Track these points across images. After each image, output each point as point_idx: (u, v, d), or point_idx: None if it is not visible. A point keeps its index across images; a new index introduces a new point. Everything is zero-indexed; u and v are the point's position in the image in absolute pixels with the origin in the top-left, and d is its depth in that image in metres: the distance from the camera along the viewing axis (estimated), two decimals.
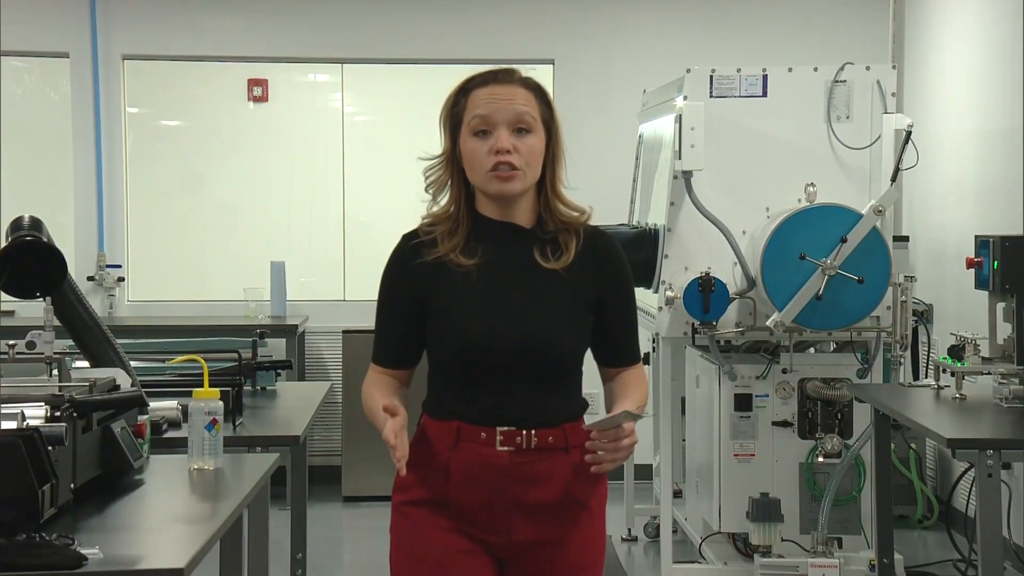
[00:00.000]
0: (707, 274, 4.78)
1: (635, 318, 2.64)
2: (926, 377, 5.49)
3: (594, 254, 2.53)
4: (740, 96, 4.99)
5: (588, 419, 2.44)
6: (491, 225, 2.51)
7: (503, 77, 2.49)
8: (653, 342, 5.65)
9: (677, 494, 5.61)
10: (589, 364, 2.59)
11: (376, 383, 2.56)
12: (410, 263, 2.50)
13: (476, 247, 2.49)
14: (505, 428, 2.45)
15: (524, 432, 2.45)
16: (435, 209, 2.53)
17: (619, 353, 2.61)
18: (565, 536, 2.50)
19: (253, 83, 7.38)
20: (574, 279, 2.49)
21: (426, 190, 2.54)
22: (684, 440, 5.60)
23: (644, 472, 6.19)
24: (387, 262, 2.56)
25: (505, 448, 2.45)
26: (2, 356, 3.14)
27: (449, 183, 2.51)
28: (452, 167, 2.51)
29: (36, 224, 3.20)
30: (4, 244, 3.15)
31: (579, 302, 2.51)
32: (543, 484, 2.47)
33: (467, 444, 2.46)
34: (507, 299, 2.47)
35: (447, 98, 2.53)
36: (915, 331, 5.54)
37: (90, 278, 7.11)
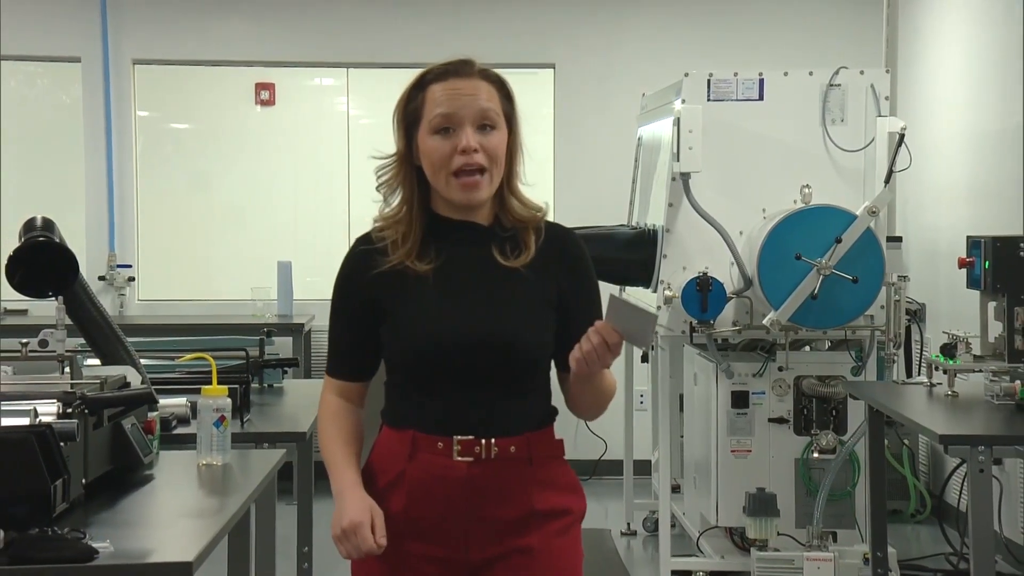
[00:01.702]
0: (705, 274, 4.78)
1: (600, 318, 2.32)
2: (919, 375, 5.49)
3: (555, 250, 2.33)
4: (737, 99, 4.99)
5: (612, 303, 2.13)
6: (448, 224, 2.31)
7: (463, 70, 2.28)
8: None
9: (675, 489, 5.61)
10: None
11: (334, 421, 2.36)
12: (364, 271, 2.30)
13: (431, 248, 2.29)
14: (463, 437, 2.24)
15: (483, 441, 2.24)
16: (386, 211, 2.34)
17: None
18: (528, 544, 2.27)
19: (260, 87, 7.39)
20: (535, 276, 2.29)
21: (377, 189, 2.35)
22: (682, 436, 5.59)
23: (643, 468, 6.19)
24: (340, 268, 2.37)
25: (463, 459, 2.23)
26: (15, 354, 3.14)
27: (400, 185, 2.32)
28: (406, 167, 2.31)
29: (48, 225, 3.20)
30: (18, 245, 3.15)
31: (541, 301, 2.30)
32: (504, 498, 2.25)
33: (423, 455, 2.25)
34: (465, 299, 2.27)
35: (402, 94, 2.33)
36: (908, 330, 5.54)
37: (101, 278, 7.11)
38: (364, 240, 2.35)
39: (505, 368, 2.26)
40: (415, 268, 2.27)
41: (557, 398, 2.39)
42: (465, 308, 2.26)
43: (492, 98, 2.27)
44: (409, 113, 2.30)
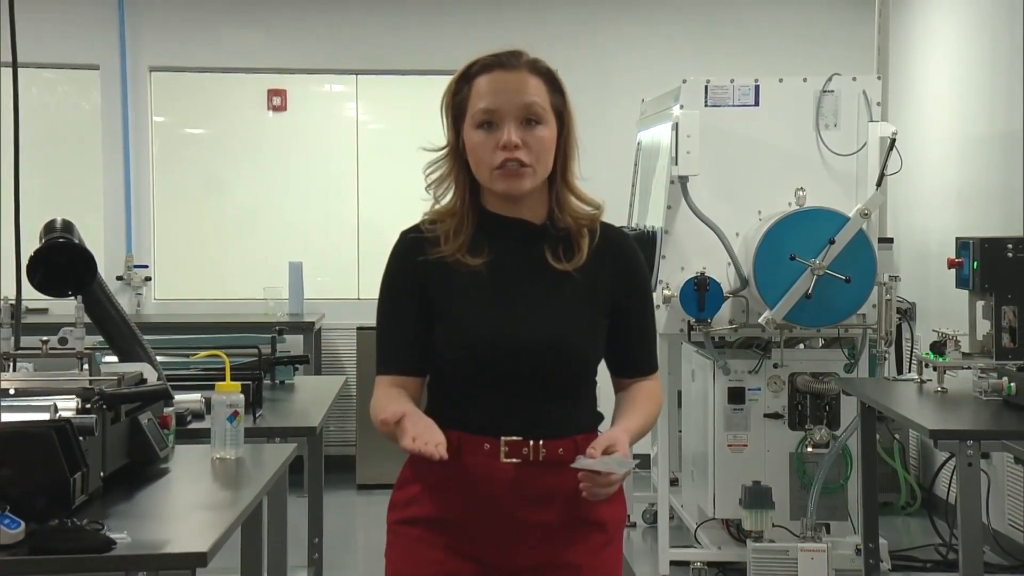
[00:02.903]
0: (702, 274, 4.78)
1: (653, 323, 2.28)
2: (909, 371, 5.49)
3: (609, 253, 2.19)
4: (733, 105, 4.99)
5: (580, 458, 2.03)
6: (499, 221, 2.17)
7: (509, 62, 2.14)
8: None
9: (674, 482, 5.61)
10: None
11: (384, 400, 2.12)
12: (413, 259, 2.16)
13: (483, 245, 2.15)
14: (510, 438, 2.10)
15: (531, 443, 2.10)
16: (438, 207, 2.19)
17: (634, 362, 2.25)
18: (574, 560, 2.14)
19: (272, 93, 7.39)
20: (588, 280, 2.16)
21: (427, 189, 2.19)
22: (680, 431, 5.59)
23: (642, 461, 6.18)
24: (388, 260, 2.21)
25: (510, 460, 2.10)
26: (36, 351, 3.14)
27: (453, 178, 2.17)
28: (456, 160, 2.16)
29: (68, 227, 3.21)
30: (38, 246, 3.16)
31: (593, 305, 2.17)
32: (551, 502, 2.12)
33: (469, 457, 2.11)
34: (516, 301, 2.13)
35: (448, 85, 2.19)
36: (899, 328, 5.53)
37: (119, 277, 7.12)
38: (413, 230, 2.20)
39: (555, 372, 2.13)
40: (466, 262, 2.13)
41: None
42: (517, 310, 2.13)
43: (539, 91, 2.13)
44: (456, 105, 2.17)
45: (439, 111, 2.19)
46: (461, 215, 2.15)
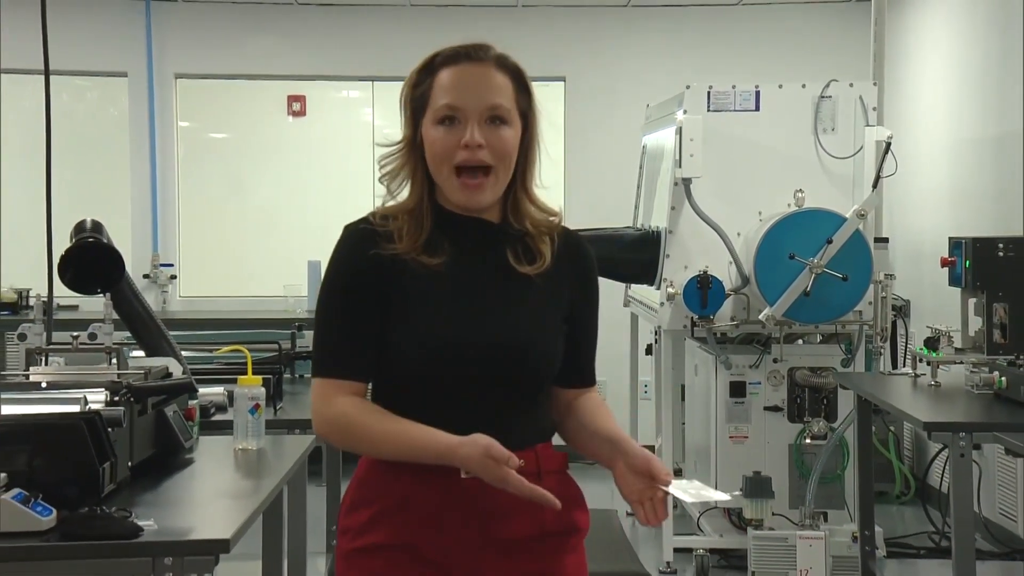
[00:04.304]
0: (705, 272, 4.78)
1: (597, 334, 2.08)
2: (904, 366, 5.47)
3: (570, 261, 2.00)
4: (735, 110, 4.98)
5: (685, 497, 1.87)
6: (456, 220, 1.94)
7: (476, 55, 1.94)
8: (655, 334, 5.65)
9: (677, 472, 5.60)
10: None
11: (370, 410, 1.90)
12: (366, 252, 1.91)
13: (440, 244, 1.92)
14: None
15: None
16: (391, 203, 1.96)
17: (582, 372, 2.05)
18: (543, 570, 1.94)
19: (292, 99, 7.40)
20: (549, 285, 1.96)
21: (380, 181, 1.96)
22: (684, 423, 5.59)
23: None
24: (334, 253, 1.96)
25: (470, 475, 1.83)
26: (67, 346, 3.16)
27: (409, 174, 1.94)
28: (414, 156, 1.94)
29: (97, 227, 3.22)
30: (69, 245, 3.17)
31: (554, 308, 1.97)
32: (516, 516, 1.89)
33: (429, 475, 1.86)
34: (479, 302, 1.92)
35: (409, 76, 1.98)
36: (894, 324, 5.51)
37: (145, 276, 7.13)
38: (362, 222, 1.96)
39: (519, 377, 1.93)
40: (423, 261, 1.90)
41: None
42: (480, 311, 1.92)
43: (505, 90, 1.92)
44: (416, 98, 1.95)
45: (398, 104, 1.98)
46: (420, 213, 1.93)
